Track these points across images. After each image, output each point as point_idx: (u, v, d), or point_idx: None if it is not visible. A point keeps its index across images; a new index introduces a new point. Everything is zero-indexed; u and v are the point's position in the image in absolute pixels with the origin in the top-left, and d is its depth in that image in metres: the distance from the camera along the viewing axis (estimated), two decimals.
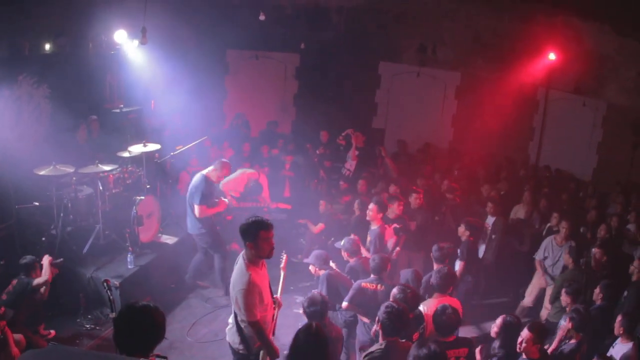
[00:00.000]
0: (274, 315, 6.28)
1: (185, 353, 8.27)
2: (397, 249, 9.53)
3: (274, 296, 6.40)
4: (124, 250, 9.50)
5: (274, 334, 6.30)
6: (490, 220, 10.39)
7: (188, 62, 13.77)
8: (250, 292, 5.66)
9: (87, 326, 8.58)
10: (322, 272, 7.78)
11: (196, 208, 9.01)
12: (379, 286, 7.28)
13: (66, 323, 8.57)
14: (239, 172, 11.16)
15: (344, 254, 8.36)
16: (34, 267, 7.73)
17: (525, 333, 5.91)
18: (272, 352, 5.90)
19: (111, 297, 5.01)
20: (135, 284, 9.13)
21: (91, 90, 11.91)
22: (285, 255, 7.19)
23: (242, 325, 5.86)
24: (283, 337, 6.53)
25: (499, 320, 6.34)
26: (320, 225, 10.96)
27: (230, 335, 6.15)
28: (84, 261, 9.32)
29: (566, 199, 11.80)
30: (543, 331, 5.98)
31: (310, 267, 7.80)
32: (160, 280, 9.70)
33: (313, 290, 6.60)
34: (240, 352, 6.06)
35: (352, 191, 11.91)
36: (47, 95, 10.85)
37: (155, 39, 10.86)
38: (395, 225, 9.46)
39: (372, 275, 7.47)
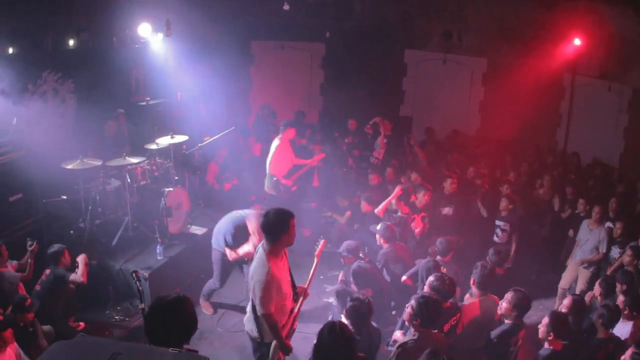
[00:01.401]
0: (294, 307, 6.24)
1: (215, 343, 8.30)
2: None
3: (300, 286, 6.38)
4: (153, 241, 9.57)
5: (294, 324, 6.28)
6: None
7: (212, 54, 13.75)
8: (269, 284, 5.65)
9: (117, 317, 8.65)
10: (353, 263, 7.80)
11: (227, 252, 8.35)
12: (442, 268, 7.29)
13: (95, 315, 8.64)
14: (271, 152, 11.12)
15: (380, 240, 8.33)
16: (63, 255, 7.77)
17: (545, 319, 5.85)
18: (284, 347, 5.93)
19: (140, 288, 5.01)
20: (165, 275, 9.18)
21: (117, 84, 11.96)
22: (323, 240, 6.89)
23: (259, 313, 5.86)
24: (312, 327, 6.47)
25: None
26: (347, 213, 10.92)
27: (248, 324, 6.17)
28: (113, 253, 9.39)
29: (593, 185, 11.65)
30: (560, 322, 5.85)
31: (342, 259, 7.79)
32: (189, 271, 9.73)
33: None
34: (257, 340, 6.10)
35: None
36: (72, 90, 10.94)
37: (178, 31, 10.89)
38: (423, 214, 9.39)
39: (438, 257, 7.69)
